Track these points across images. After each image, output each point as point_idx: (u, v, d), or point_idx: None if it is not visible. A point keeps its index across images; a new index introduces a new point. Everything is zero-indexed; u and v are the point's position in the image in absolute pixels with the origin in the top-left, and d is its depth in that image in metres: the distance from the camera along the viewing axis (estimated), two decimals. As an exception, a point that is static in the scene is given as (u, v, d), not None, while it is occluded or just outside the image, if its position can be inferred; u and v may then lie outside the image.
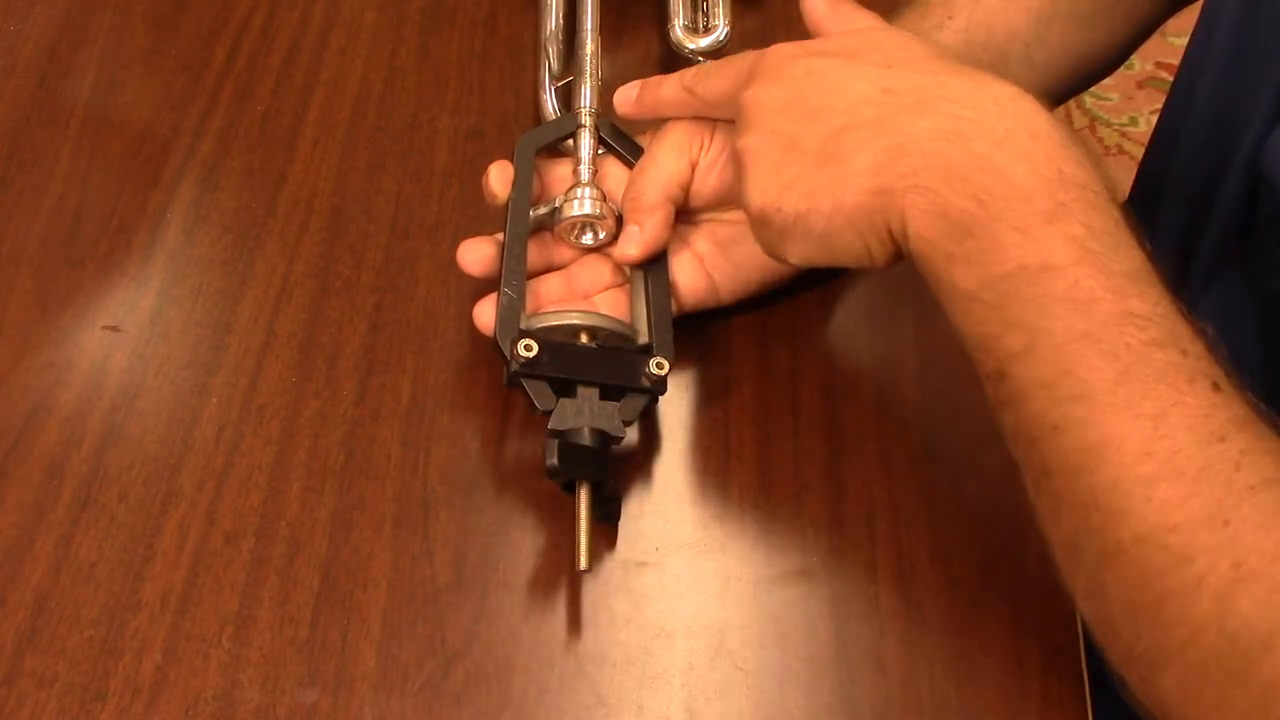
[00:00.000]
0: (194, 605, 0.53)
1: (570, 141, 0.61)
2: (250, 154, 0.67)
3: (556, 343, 0.55)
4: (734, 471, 0.57)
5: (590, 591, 0.54)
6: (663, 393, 0.56)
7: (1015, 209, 0.45)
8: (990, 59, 0.62)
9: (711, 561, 0.55)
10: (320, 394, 0.59)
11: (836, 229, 0.49)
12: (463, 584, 0.54)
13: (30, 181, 0.66)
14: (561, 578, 0.54)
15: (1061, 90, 0.67)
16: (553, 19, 0.67)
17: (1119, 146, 1.71)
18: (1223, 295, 0.58)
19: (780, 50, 0.54)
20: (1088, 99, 1.74)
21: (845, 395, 0.59)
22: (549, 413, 0.54)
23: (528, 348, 0.54)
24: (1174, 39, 1.66)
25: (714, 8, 0.67)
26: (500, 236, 0.58)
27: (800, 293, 0.62)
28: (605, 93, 0.63)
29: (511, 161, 0.59)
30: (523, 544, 0.55)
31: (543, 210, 0.59)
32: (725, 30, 0.66)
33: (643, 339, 0.57)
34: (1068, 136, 0.47)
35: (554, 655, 0.52)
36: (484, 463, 0.57)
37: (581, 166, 0.60)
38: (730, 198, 0.59)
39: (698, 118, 0.58)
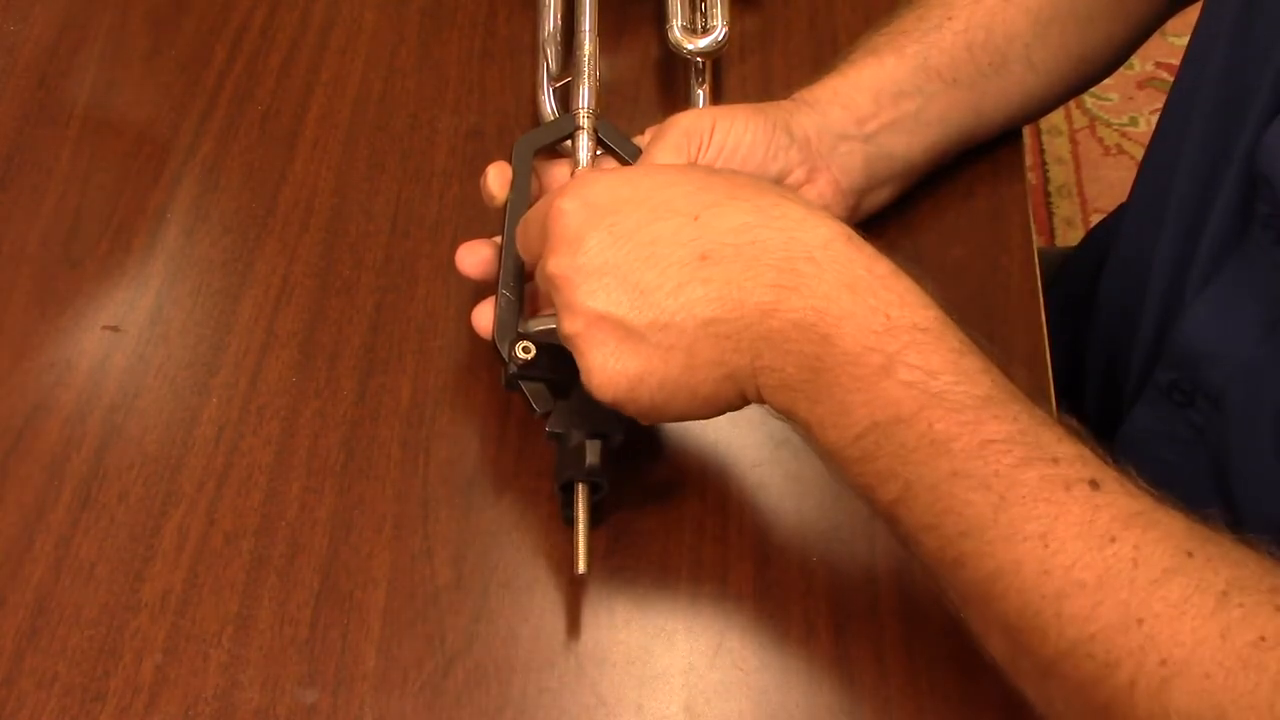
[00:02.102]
0: (194, 605, 0.53)
1: (569, 143, 0.61)
2: (250, 154, 0.67)
3: (555, 345, 0.55)
4: (733, 472, 0.57)
5: (590, 591, 0.54)
6: None
7: (849, 372, 0.46)
8: (989, 60, 0.62)
9: (711, 561, 0.55)
10: (320, 394, 0.59)
11: (699, 408, 0.50)
12: (463, 584, 0.54)
13: (30, 181, 0.66)
14: (561, 578, 0.54)
15: (1061, 92, 0.67)
16: (551, 20, 0.67)
17: (1119, 146, 1.71)
18: (1222, 294, 0.58)
19: (572, 207, 0.50)
20: (1088, 99, 1.74)
21: (845, 395, 0.59)
22: (548, 414, 0.54)
23: (525, 350, 0.54)
24: (1174, 39, 1.65)
25: (712, 9, 0.67)
26: (499, 239, 0.58)
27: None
28: (604, 93, 0.63)
29: (509, 163, 0.59)
30: (523, 544, 0.55)
31: None
32: (723, 31, 0.66)
33: None
34: (889, 271, 0.47)
35: (554, 655, 0.52)
36: (484, 463, 0.57)
37: (580, 170, 0.60)
38: None
39: (698, 116, 0.58)
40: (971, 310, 0.62)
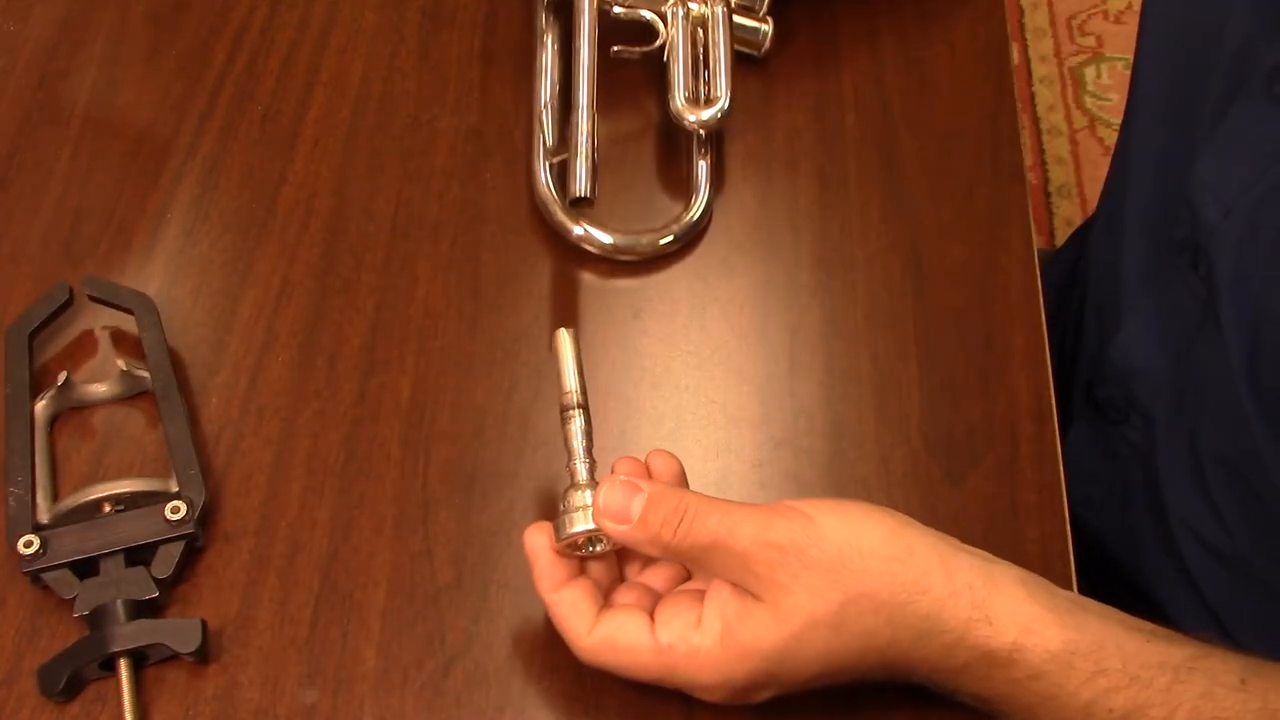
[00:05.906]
0: (194, 605, 0.53)
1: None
2: (250, 154, 0.67)
3: (73, 525, 0.53)
4: (734, 471, 0.58)
5: (590, 591, 0.54)
6: (193, 535, 0.53)
7: None
8: None
9: (711, 561, 0.55)
10: (320, 394, 0.59)
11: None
12: (463, 584, 0.54)
13: (30, 181, 0.66)
14: (561, 578, 0.54)
15: None
16: (546, 89, 0.65)
17: (1119, 146, 1.71)
18: (1146, 314, 0.59)
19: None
20: (1088, 99, 1.74)
21: (844, 395, 0.59)
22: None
23: (27, 544, 0.52)
24: (1174, 39, 1.65)
25: (715, 79, 0.64)
26: None
27: (800, 295, 0.62)
28: (601, 165, 0.61)
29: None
30: (523, 544, 0.55)
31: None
32: (728, 102, 0.64)
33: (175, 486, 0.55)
34: None
35: (554, 655, 0.52)
36: (484, 463, 0.57)
37: (576, 463, 0.51)
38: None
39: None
40: (971, 310, 0.62)
